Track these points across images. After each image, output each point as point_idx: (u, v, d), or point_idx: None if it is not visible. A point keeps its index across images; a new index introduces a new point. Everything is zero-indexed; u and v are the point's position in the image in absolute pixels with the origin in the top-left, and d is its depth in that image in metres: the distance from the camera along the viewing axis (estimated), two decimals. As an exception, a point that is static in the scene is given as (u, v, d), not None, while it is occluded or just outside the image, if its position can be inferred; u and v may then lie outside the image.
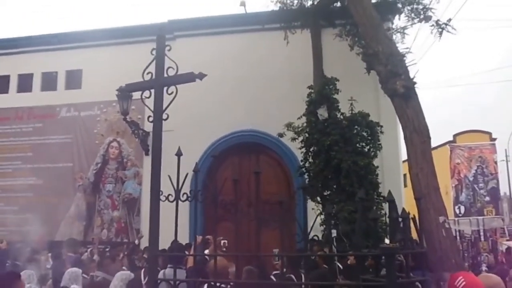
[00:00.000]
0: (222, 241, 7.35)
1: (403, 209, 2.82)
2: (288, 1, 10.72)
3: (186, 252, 7.50)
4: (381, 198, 7.87)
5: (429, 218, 6.02)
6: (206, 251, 6.34)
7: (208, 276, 4.33)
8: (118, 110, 11.05)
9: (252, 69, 11.39)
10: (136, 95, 3.49)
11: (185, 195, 2.99)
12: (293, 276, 5.19)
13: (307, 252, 3.24)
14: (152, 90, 3.29)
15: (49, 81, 13.19)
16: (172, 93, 3.23)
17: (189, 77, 3.19)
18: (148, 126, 3.29)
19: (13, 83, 13.40)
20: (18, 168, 12.60)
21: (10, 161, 12.73)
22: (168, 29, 11.55)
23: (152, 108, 3.24)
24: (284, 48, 10.58)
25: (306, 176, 8.79)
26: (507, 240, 14.21)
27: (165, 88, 3.25)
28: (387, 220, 3.33)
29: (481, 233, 12.56)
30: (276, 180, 11.11)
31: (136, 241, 9.64)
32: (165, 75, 3.26)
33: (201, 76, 3.16)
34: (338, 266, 5.33)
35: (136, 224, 11.63)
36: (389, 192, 2.86)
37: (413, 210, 3.07)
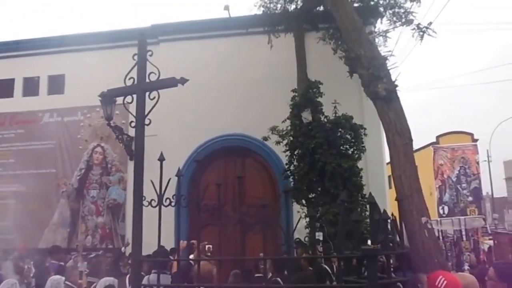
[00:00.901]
0: (207, 246, 7.35)
1: (384, 210, 2.86)
2: (272, 5, 10.77)
3: (171, 257, 7.48)
4: (365, 200, 7.94)
5: (412, 219, 6.10)
6: (191, 256, 6.33)
7: (193, 281, 4.33)
8: (102, 115, 10.97)
9: (236, 73, 11.42)
10: (120, 99, 3.49)
11: (168, 200, 2.99)
12: (279, 280, 5.21)
13: (290, 255, 3.27)
14: (135, 96, 3.29)
15: (31, 87, 13.03)
16: (154, 98, 3.23)
17: (171, 82, 3.20)
18: (133, 131, 3.28)
19: (-6, 89, 13.20)
20: (0, 175, 12.41)
21: (-8, 167, 12.53)
22: (152, 33, 11.53)
23: (134, 114, 3.24)
24: (268, 52, 10.64)
25: (291, 179, 8.83)
26: (489, 239, 14.44)
27: (147, 93, 3.25)
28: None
29: (463, 233, 12.74)
30: (262, 183, 11.14)
31: (123, 249, 9.56)
32: (147, 80, 3.26)
33: (183, 81, 3.17)
34: (326, 268, 5.37)
35: (121, 230, 11.54)
36: (370, 194, 2.91)
37: (397, 212, 3.12)
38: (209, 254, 6.97)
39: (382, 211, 2.86)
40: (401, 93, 7.13)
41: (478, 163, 23.76)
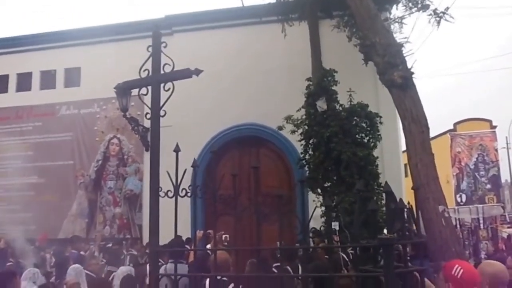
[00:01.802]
0: (224, 236, 7.40)
1: (401, 199, 2.84)
2: (285, -7, 10.67)
3: (187, 247, 7.56)
4: (381, 189, 7.89)
5: (429, 208, 6.05)
6: (208, 246, 6.39)
7: (210, 271, 4.37)
8: (117, 107, 11.06)
9: (251, 63, 11.38)
10: (135, 91, 3.50)
11: (184, 191, 3.01)
12: (288, 268, 5.24)
13: (305, 244, 3.27)
14: (150, 87, 3.30)
15: (48, 80, 13.20)
16: (169, 89, 3.24)
17: (186, 73, 3.20)
18: (148, 122, 3.31)
19: (12, 82, 13.42)
20: (20, 167, 12.62)
21: (10, 160, 12.75)
22: (166, 24, 11.54)
23: (149, 105, 3.25)
24: (282, 40, 10.58)
25: (306, 168, 8.81)
26: (508, 227, 14.26)
27: (162, 85, 3.26)
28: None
29: (481, 221, 12.59)
30: (277, 173, 11.15)
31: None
32: (162, 71, 3.27)
33: (198, 72, 3.17)
34: (343, 257, 5.37)
35: (138, 220, 11.69)
36: (386, 183, 2.89)
37: (413, 200, 3.09)
38: (225, 243, 7.03)
39: (398, 200, 2.85)
40: (418, 80, 7.04)
41: (496, 150, 23.43)
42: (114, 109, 12.03)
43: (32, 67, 13.18)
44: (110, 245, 8.96)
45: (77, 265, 5.22)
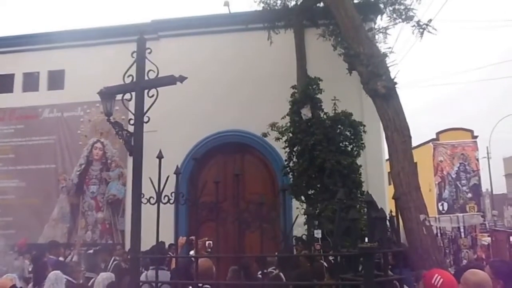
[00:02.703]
0: (207, 242, 7.36)
1: (382, 209, 2.88)
2: (272, 1, 10.76)
3: (170, 253, 7.50)
4: (364, 197, 7.96)
5: (410, 217, 6.13)
6: (192, 252, 6.34)
7: (193, 277, 4.35)
8: (101, 111, 10.98)
9: (236, 69, 11.41)
10: (120, 95, 3.49)
11: (166, 198, 3.00)
12: (281, 275, 5.25)
13: (288, 251, 3.30)
14: (133, 93, 3.30)
15: (31, 82, 13.02)
16: (153, 95, 3.24)
17: (170, 80, 3.21)
18: (132, 127, 3.30)
19: (-6, 84, 13.20)
20: (0, 170, 12.43)
21: (-9, 163, 12.55)
22: (152, 29, 11.53)
23: (133, 111, 3.25)
24: (268, 48, 10.63)
25: (290, 176, 8.85)
26: (488, 236, 14.49)
27: (146, 91, 3.26)
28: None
29: (462, 230, 12.79)
30: (261, 179, 11.16)
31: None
32: (146, 77, 3.27)
33: (182, 79, 3.18)
34: (324, 265, 5.40)
35: (120, 225, 11.57)
36: (367, 193, 2.93)
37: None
38: (209, 250, 6.98)
39: (380, 208, 2.88)
40: (401, 91, 7.15)
41: (477, 159, 23.82)
42: (98, 113, 11.93)
43: (15, 69, 12.99)
44: (91, 251, 8.84)
45: (57, 271, 5.14)
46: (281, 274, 5.23)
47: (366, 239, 2.98)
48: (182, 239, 6.62)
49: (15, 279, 5.63)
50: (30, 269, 7.55)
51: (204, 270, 3.96)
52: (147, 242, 3.62)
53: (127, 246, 9.92)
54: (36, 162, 12.25)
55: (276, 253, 5.15)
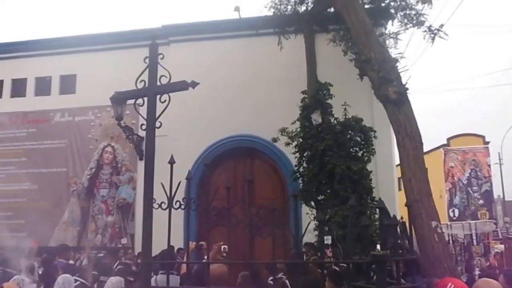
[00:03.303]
0: (223, 247, 7.33)
1: (394, 216, 2.85)
2: (282, 7, 10.76)
3: (179, 257, 7.51)
4: (375, 203, 7.90)
5: (422, 223, 6.06)
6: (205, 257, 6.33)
7: (206, 283, 4.34)
8: (112, 115, 11.05)
9: (246, 74, 11.43)
10: (131, 100, 3.51)
11: (177, 203, 3.01)
12: (287, 282, 5.22)
13: (299, 257, 3.28)
14: (145, 98, 3.31)
15: (43, 86, 13.17)
16: (165, 101, 3.25)
17: (182, 86, 3.22)
18: (143, 131, 3.31)
19: (7, 88, 13.37)
20: (12, 173, 12.55)
21: (4, 166, 12.68)
22: (162, 34, 11.61)
23: (145, 116, 3.26)
24: (278, 53, 10.64)
25: (300, 181, 8.81)
26: (500, 243, 14.29)
27: (158, 96, 3.27)
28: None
29: (474, 237, 12.64)
30: (271, 184, 11.15)
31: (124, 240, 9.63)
32: (158, 83, 3.28)
33: (194, 84, 3.19)
34: (337, 271, 5.36)
35: (130, 229, 11.61)
36: (380, 200, 2.90)
37: (407, 215, 3.10)
38: (224, 254, 6.95)
39: (391, 215, 2.86)
40: (413, 96, 7.10)
41: (489, 165, 23.58)
42: (109, 117, 12.01)
43: (27, 73, 13.15)
44: (101, 254, 8.88)
45: (66, 275, 5.16)
46: (287, 281, 5.21)
47: (378, 246, 2.96)
48: (192, 244, 6.62)
49: (24, 281, 5.66)
50: (40, 272, 7.58)
51: (218, 275, 3.95)
52: (156, 246, 3.63)
53: (137, 249, 9.95)
54: (48, 165, 12.36)
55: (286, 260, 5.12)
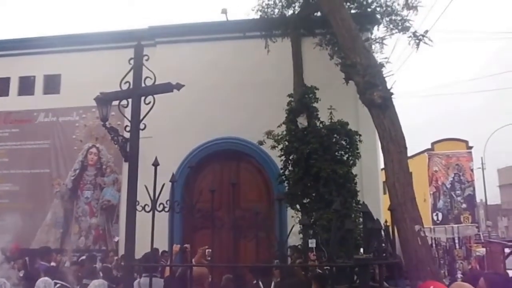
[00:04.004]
0: (207, 250, 7.31)
1: (377, 220, 2.87)
2: (269, 10, 10.79)
3: (163, 260, 7.45)
4: (359, 207, 7.96)
5: (405, 227, 6.11)
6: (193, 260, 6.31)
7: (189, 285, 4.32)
8: (97, 116, 10.94)
9: (233, 77, 11.42)
10: (115, 101, 3.48)
11: (161, 206, 2.98)
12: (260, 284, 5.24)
13: (284, 260, 3.28)
14: (130, 100, 3.29)
15: (26, 86, 12.98)
16: (149, 102, 3.23)
17: (167, 87, 3.21)
18: (128, 133, 3.28)
19: (-10, 87, 13.16)
20: (-6, 174, 12.34)
21: (-15, 166, 12.47)
22: (149, 35, 11.54)
23: (129, 118, 3.24)
24: (264, 56, 10.64)
25: (285, 184, 8.83)
26: (482, 247, 14.51)
27: (142, 98, 3.25)
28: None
29: (456, 241, 12.82)
30: (257, 187, 11.15)
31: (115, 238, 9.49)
32: (143, 84, 3.26)
33: (179, 86, 3.18)
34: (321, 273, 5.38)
35: (114, 232, 11.49)
36: (363, 204, 2.92)
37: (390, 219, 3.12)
38: (209, 258, 6.94)
39: (376, 218, 2.87)
40: (397, 100, 7.16)
41: (472, 170, 23.93)
42: (93, 118, 11.89)
43: (10, 72, 12.96)
44: (84, 257, 8.77)
45: (46, 278, 5.08)
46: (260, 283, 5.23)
47: (362, 250, 2.98)
48: (176, 247, 6.57)
49: (5, 284, 5.56)
50: (21, 275, 7.46)
51: (198, 275, 3.93)
52: (141, 248, 3.60)
53: (121, 252, 9.85)
54: (30, 166, 12.19)
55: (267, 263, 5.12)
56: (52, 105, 12.47)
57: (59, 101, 12.43)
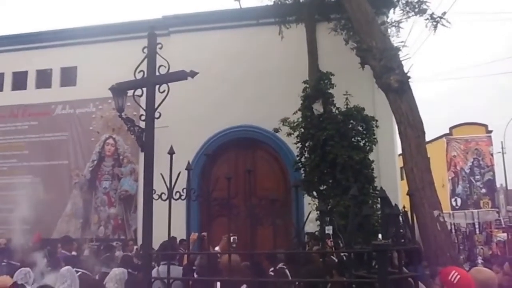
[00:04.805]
0: (232, 237, 7.33)
1: (396, 205, 2.83)
2: (283, -4, 10.68)
3: (181, 248, 7.53)
4: (377, 192, 7.89)
5: (424, 213, 6.05)
6: (217, 248, 6.35)
7: (221, 273, 4.34)
8: (113, 107, 11.03)
9: (247, 65, 11.37)
10: (131, 91, 3.48)
11: (177, 194, 2.98)
12: (286, 269, 5.23)
13: (301, 247, 3.27)
14: (144, 89, 3.28)
15: (43, 79, 13.15)
16: (164, 91, 3.22)
17: (181, 75, 3.18)
18: (144, 123, 3.29)
19: (8, 81, 13.36)
20: (14, 166, 12.57)
21: (5, 159, 12.70)
22: (163, 25, 11.53)
23: (144, 107, 3.23)
24: (279, 43, 10.57)
25: (302, 171, 8.80)
26: (503, 232, 14.30)
27: (157, 86, 3.24)
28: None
29: (476, 226, 12.63)
30: (273, 175, 11.13)
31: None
32: (157, 73, 3.25)
33: (193, 74, 3.15)
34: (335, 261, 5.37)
35: (133, 221, 11.64)
36: (381, 189, 2.88)
37: (409, 205, 3.08)
38: (234, 245, 6.96)
39: (393, 204, 2.83)
40: (415, 84, 7.05)
41: (492, 154, 23.51)
42: (110, 109, 11.99)
43: (28, 66, 13.12)
44: (102, 247, 8.89)
45: (68, 267, 5.16)
46: (287, 271, 5.22)
47: (380, 236, 2.95)
48: (194, 235, 6.62)
49: (29, 273, 5.68)
50: (45, 264, 7.61)
51: (233, 265, 3.92)
52: (159, 237, 3.62)
53: (140, 241, 9.97)
54: (49, 158, 12.38)
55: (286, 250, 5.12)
56: (69, 97, 12.60)
57: (75, 93, 12.56)
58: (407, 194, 3.08)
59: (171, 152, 3.11)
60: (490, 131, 23.88)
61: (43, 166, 12.37)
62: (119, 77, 3.97)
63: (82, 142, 12.41)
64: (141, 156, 11.53)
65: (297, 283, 3.22)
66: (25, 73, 13.21)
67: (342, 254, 4.10)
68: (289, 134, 8.95)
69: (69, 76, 12.94)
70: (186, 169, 3.10)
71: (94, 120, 12.43)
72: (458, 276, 3.00)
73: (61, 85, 12.98)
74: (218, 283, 3.79)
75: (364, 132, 8.44)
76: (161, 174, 3.01)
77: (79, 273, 5.40)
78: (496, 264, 4.82)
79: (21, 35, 13.48)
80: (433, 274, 4.15)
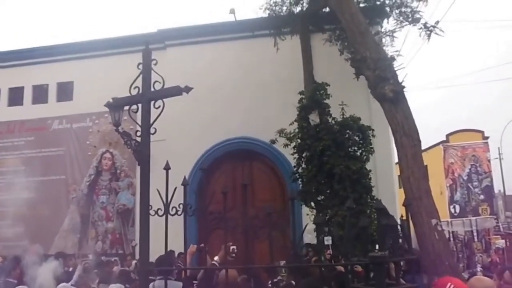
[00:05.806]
0: (231, 247, 7.27)
1: (392, 216, 2.84)
2: (277, 8, 10.76)
3: (180, 261, 7.48)
4: (375, 202, 7.89)
5: (422, 221, 6.05)
6: (216, 258, 6.30)
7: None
8: (110, 121, 11.03)
9: (243, 76, 11.42)
10: (128, 106, 3.49)
11: (174, 209, 2.99)
12: (293, 283, 5.20)
13: (299, 259, 3.26)
14: (140, 104, 3.30)
15: (40, 94, 13.16)
16: (159, 107, 3.24)
17: (176, 91, 3.20)
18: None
19: (4, 97, 13.37)
20: (11, 182, 12.51)
21: (2, 175, 12.66)
22: (158, 38, 11.60)
23: (140, 122, 3.25)
24: (274, 54, 10.63)
25: (299, 182, 8.79)
26: (502, 239, 14.28)
27: (152, 102, 3.26)
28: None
29: (475, 234, 12.61)
30: (270, 186, 11.13)
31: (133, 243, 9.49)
32: (152, 89, 3.27)
33: (188, 89, 3.17)
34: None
35: (131, 235, 11.59)
36: (378, 200, 2.89)
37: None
38: (233, 255, 6.90)
39: (391, 214, 2.84)
40: (409, 93, 7.10)
41: (489, 160, 23.57)
42: (106, 123, 11.99)
43: (24, 81, 13.14)
44: (100, 261, 8.82)
45: (63, 284, 5.14)
46: (293, 282, 5.19)
47: (377, 247, 2.95)
48: (193, 247, 6.59)
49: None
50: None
51: (230, 279, 3.90)
52: (157, 251, 3.61)
53: (138, 255, 9.92)
54: (47, 173, 12.34)
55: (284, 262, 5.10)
56: (66, 112, 12.61)
57: (72, 108, 12.57)
58: (403, 204, 3.09)
59: (167, 168, 3.11)
60: (487, 137, 23.97)
61: (40, 181, 12.31)
62: (116, 91, 3.98)
63: (79, 157, 12.39)
64: (138, 170, 11.49)
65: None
66: (21, 89, 13.22)
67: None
68: (285, 145, 8.94)
69: (65, 91, 12.96)
70: (182, 184, 3.11)
71: (91, 135, 12.43)
72: (453, 287, 2.99)
73: (58, 100, 12.99)
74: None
75: (361, 141, 8.44)
76: (158, 190, 3.02)
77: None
78: (496, 273, 4.82)
79: (17, 50, 13.53)
80: (431, 284, 4.14)
